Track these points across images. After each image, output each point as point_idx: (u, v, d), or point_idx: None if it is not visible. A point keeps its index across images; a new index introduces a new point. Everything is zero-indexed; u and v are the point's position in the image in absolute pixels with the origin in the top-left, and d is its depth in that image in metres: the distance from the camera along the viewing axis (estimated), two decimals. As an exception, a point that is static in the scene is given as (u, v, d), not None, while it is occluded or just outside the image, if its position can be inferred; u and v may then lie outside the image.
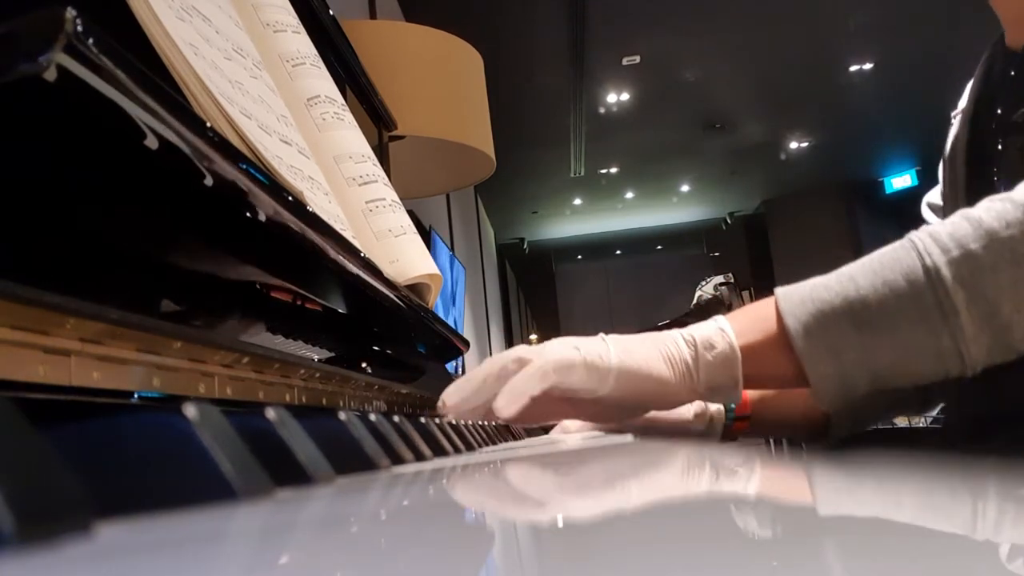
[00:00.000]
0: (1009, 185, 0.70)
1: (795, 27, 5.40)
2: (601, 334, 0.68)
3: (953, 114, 0.88)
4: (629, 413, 0.69)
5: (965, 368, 0.59)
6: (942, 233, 0.60)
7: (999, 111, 0.79)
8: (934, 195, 0.95)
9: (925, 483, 0.22)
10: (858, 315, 0.60)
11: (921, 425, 3.95)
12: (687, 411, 0.90)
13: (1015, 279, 0.57)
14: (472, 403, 0.65)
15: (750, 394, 0.91)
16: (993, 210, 0.59)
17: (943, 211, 0.90)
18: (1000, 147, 0.77)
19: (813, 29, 5.47)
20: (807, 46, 5.72)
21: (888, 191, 8.96)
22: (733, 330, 0.66)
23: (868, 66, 6.19)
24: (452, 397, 0.66)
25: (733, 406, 0.91)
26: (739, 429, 0.92)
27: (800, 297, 0.63)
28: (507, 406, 0.61)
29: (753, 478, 0.29)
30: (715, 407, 0.91)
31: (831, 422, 0.88)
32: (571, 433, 0.87)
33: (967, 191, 0.82)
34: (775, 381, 0.67)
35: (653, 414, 0.85)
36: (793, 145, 7.90)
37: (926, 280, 0.59)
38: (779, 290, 0.65)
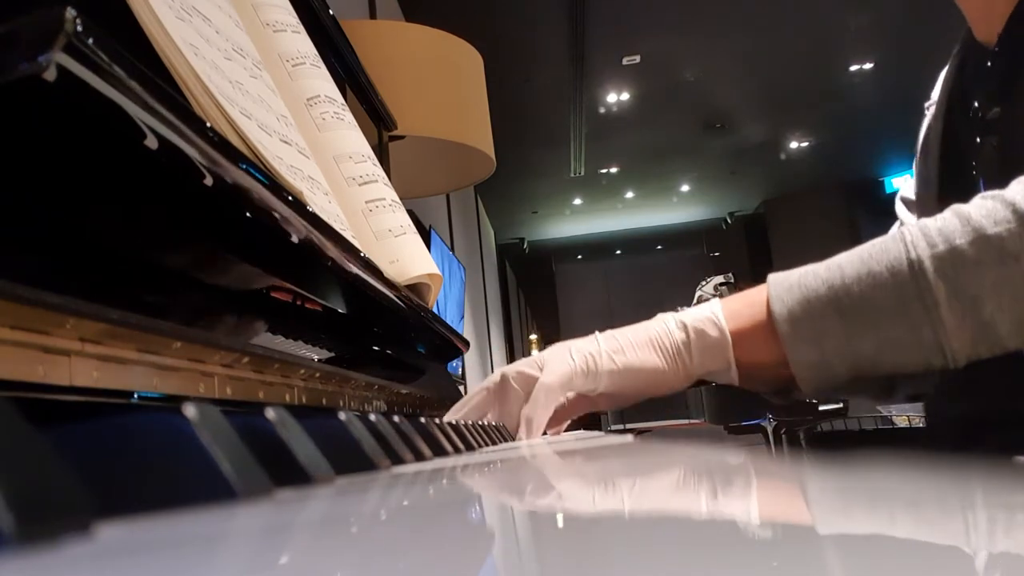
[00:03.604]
0: (986, 182, 0.70)
1: (795, 27, 5.40)
2: (596, 332, 0.72)
3: (926, 105, 0.88)
4: (625, 401, 0.74)
5: (947, 361, 0.60)
6: (931, 227, 0.60)
7: (975, 106, 0.79)
8: (907, 190, 0.95)
9: (930, 492, 0.22)
10: (842, 303, 0.61)
11: (921, 425, 3.95)
12: None
13: (1000, 278, 0.57)
14: (476, 417, 0.72)
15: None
16: (984, 208, 0.59)
17: (916, 206, 0.90)
18: (978, 143, 0.77)
19: (813, 29, 5.47)
20: (807, 46, 5.73)
21: (888, 191, 8.97)
22: (724, 314, 0.67)
23: (868, 66, 6.20)
24: (454, 416, 0.74)
25: None
26: None
27: (789, 283, 0.64)
28: (530, 434, 0.69)
29: (752, 484, 0.29)
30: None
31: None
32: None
33: (940, 186, 0.82)
34: (765, 365, 0.69)
35: None
36: (793, 145, 7.91)
37: (909, 272, 0.59)
38: (772, 276, 0.66)
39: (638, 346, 0.69)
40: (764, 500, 0.24)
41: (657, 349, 0.68)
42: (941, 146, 0.83)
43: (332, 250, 0.51)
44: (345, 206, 0.74)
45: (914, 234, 0.61)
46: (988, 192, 0.61)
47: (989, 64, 0.78)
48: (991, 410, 0.76)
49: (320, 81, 0.78)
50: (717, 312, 0.68)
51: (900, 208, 0.96)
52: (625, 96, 6.43)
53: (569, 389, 0.69)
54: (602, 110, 6.62)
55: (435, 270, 0.83)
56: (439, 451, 0.46)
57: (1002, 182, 0.61)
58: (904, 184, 0.97)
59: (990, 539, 0.15)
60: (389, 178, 0.87)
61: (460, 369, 4.23)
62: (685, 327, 0.68)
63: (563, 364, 0.69)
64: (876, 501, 0.20)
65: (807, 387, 0.64)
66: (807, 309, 0.62)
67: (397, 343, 0.85)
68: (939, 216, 0.61)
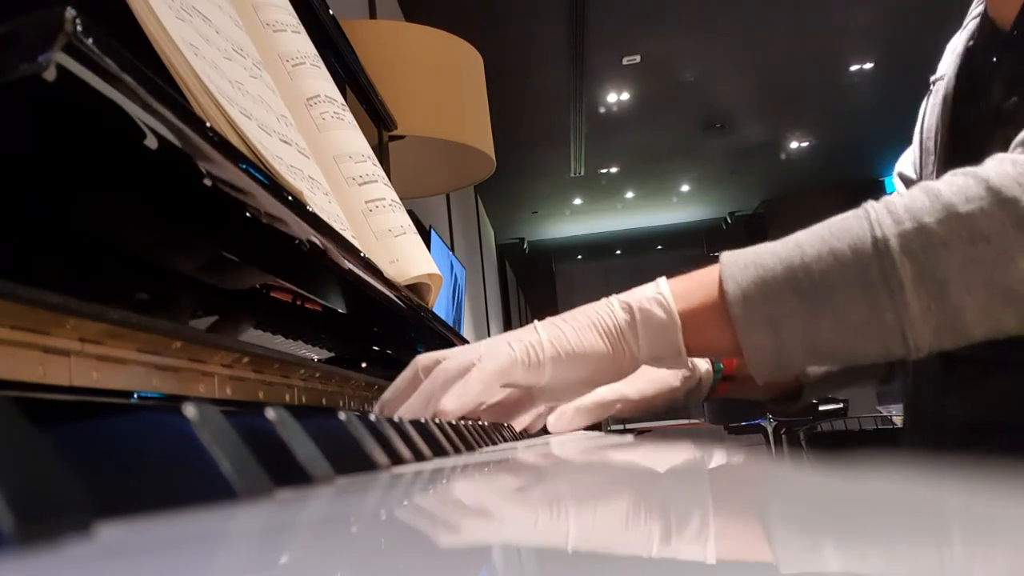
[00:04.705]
0: None
1: (795, 27, 5.40)
2: (535, 321, 0.65)
3: (932, 79, 0.85)
4: (569, 395, 0.68)
5: (909, 350, 0.55)
6: (898, 204, 0.56)
7: (986, 96, 0.76)
8: (905, 165, 0.92)
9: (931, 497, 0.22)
10: (800, 284, 0.57)
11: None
12: (674, 379, 0.90)
13: (969, 258, 0.53)
14: (402, 405, 0.61)
15: None
16: (955, 184, 0.55)
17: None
18: (988, 136, 0.73)
19: (813, 29, 5.47)
20: (807, 46, 5.72)
21: (889, 191, 8.92)
22: (673, 294, 0.62)
23: (868, 66, 6.19)
24: (384, 403, 0.63)
25: (721, 366, 0.91)
26: (723, 390, 0.92)
27: (744, 262, 0.59)
28: (453, 410, 0.59)
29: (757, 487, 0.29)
30: (704, 368, 0.91)
31: (804, 388, 0.89)
32: (567, 416, 0.88)
33: (943, 173, 0.79)
34: (716, 350, 0.64)
35: (640, 395, 0.87)
36: (793, 145, 7.90)
37: (873, 251, 0.55)
38: (725, 254, 0.62)
39: (580, 330, 0.63)
40: (764, 506, 0.24)
41: (601, 332, 0.62)
42: (949, 134, 0.80)
43: (332, 250, 0.51)
44: (345, 206, 0.74)
45: (879, 211, 0.56)
46: (959, 169, 0.57)
47: (1004, 51, 0.75)
48: (995, 412, 0.76)
49: (320, 81, 0.78)
50: (664, 292, 0.62)
51: (898, 183, 0.94)
52: (625, 96, 6.43)
53: (508, 380, 0.62)
54: (602, 110, 6.62)
55: (435, 270, 0.83)
56: (439, 451, 0.46)
57: None
58: (902, 159, 0.93)
59: (982, 548, 0.15)
60: (389, 178, 0.87)
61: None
62: (630, 308, 0.62)
63: (502, 353, 0.62)
64: (878, 505, 0.20)
65: (760, 373, 0.59)
66: (763, 290, 0.57)
67: (397, 343, 0.85)
68: (906, 192, 0.57)
